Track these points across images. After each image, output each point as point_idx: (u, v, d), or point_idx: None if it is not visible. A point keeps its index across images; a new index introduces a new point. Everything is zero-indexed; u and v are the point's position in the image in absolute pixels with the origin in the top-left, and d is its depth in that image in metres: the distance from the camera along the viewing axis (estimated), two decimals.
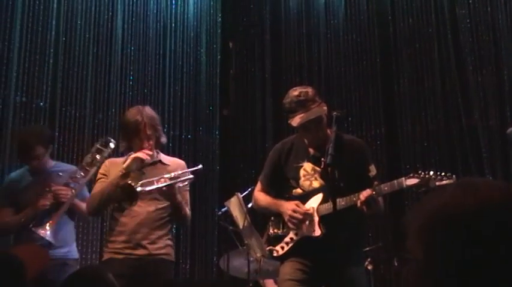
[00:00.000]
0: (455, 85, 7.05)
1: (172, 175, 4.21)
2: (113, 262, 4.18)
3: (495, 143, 6.67)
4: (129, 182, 4.06)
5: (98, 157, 4.77)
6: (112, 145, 4.77)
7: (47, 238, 4.49)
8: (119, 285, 3.77)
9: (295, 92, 3.87)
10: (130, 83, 7.52)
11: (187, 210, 4.37)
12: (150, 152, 4.24)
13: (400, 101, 7.42)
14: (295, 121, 3.82)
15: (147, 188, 4.09)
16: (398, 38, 7.55)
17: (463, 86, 7.00)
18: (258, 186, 4.20)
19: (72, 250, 4.90)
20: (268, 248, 4.05)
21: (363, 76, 7.73)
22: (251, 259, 5.15)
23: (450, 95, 7.10)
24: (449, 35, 7.19)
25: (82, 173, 4.75)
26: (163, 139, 4.44)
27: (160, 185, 4.13)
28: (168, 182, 4.14)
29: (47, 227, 4.52)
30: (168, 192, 4.16)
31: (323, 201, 3.83)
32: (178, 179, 4.20)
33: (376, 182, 3.71)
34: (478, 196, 1.05)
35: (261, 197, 4.13)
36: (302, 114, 3.80)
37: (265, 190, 4.14)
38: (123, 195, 4.07)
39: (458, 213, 1.05)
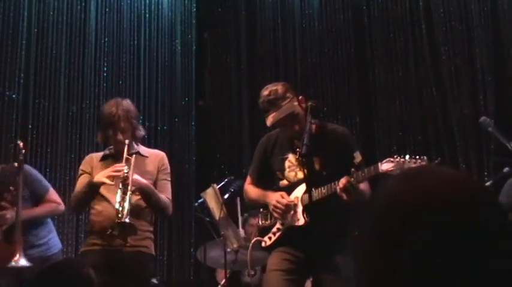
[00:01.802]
0: (429, 75, 7.10)
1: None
2: (90, 254, 4.17)
3: (468, 132, 6.73)
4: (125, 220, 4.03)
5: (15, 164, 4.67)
6: (21, 145, 4.69)
7: (23, 265, 4.40)
8: (96, 277, 3.75)
9: (265, 91, 3.92)
10: (105, 74, 7.46)
11: (164, 198, 4.31)
12: (121, 168, 4.14)
13: (375, 91, 7.47)
14: (269, 121, 3.89)
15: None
16: (373, 28, 7.58)
17: (437, 75, 7.05)
18: (248, 180, 4.25)
19: (50, 246, 4.84)
20: (256, 239, 4.10)
21: (338, 66, 7.74)
22: (228, 249, 5.16)
23: (424, 85, 7.15)
24: (423, 25, 7.23)
25: (12, 188, 4.63)
26: (141, 132, 4.41)
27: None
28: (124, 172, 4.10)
29: (16, 258, 4.41)
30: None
31: (307, 191, 3.85)
32: (129, 181, 4.13)
33: (352, 169, 3.72)
34: (416, 190, 1.01)
35: (250, 189, 4.18)
36: (274, 114, 3.85)
37: (255, 183, 4.20)
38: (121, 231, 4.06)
39: (393, 206, 1.02)
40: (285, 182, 4.01)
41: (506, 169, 5.24)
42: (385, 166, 3.59)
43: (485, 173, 6.49)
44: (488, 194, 1.04)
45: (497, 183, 5.44)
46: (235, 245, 5.06)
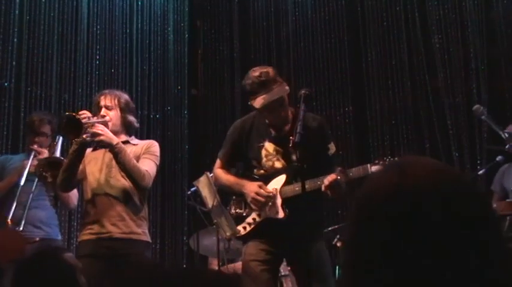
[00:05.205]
0: (423, 63, 7.11)
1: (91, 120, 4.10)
2: (86, 244, 4.15)
3: (461, 121, 6.74)
4: (72, 113, 4.02)
5: None
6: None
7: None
8: (93, 266, 3.74)
9: (255, 72, 3.80)
10: (97, 62, 7.43)
11: (141, 167, 4.14)
12: (87, 113, 4.10)
13: (368, 79, 7.47)
14: (258, 103, 3.76)
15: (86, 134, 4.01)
16: (367, 16, 7.57)
17: (430, 64, 7.06)
18: (218, 163, 4.13)
19: (54, 231, 5.05)
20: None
21: (331, 54, 7.74)
22: (221, 237, 5.16)
23: (417, 73, 7.16)
24: (417, 13, 7.23)
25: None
26: (134, 123, 4.39)
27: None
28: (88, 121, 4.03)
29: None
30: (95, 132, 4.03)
31: (286, 183, 3.84)
32: (93, 120, 4.07)
33: (340, 168, 3.71)
34: (396, 181, 1.03)
35: (222, 175, 4.08)
36: (264, 95, 3.74)
37: (226, 168, 4.10)
38: (70, 128, 3.98)
39: (374, 195, 1.04)
40: (261, 171, 3.93)
41: (499, 158, 5.25)
42: (375, 167, 3.60)
43: (478, 162, 6.51)
44: (469, 185, 1.05)
45: (490, 172, 5.47)
46: (228, 234, 5.05)
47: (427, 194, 0.99)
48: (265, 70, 3.81)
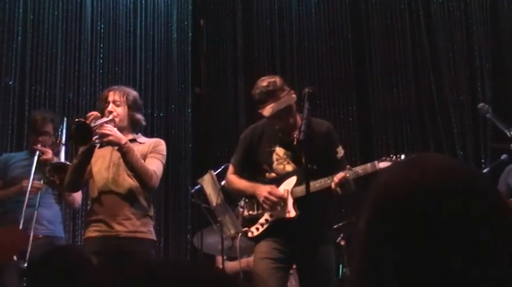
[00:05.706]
0: (427, 61, 7.10)
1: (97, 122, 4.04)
2: (92, 241, 4.14)
3: (466, 119, 6.73)
4: (81, 120, 3.97)
5: None
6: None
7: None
8: (99, 263, 3.74)
9: (263, 82, 3.95)
10: (101, 60, 7.44)
11: (148, 167, 4.12)
12: (94, 114, 4.08)
13: (372, 77, 7.46)
14: (267, 111, 3.91)
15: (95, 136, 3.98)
16: (370, 14, 7.56)
17: (434, 62, 7.05)
18: (231, 169, 4.27)
19: (58, 229, 5.11)
20: (243, 230, 4.14)
21: (335, 53, 7.73)
22: (224, 236, 5.16)
23: (422, 71, 7.15)
24: (421, 11, 7.22)
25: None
26: (141, 120, 4.38)
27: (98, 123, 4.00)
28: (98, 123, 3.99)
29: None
30: (104, 134, 4.00)
31: (297, 183, 3.94)
32: (101, 121, 4.03)
33: (348, 166, 3.79)
34: (407, 179, 1.02)
35: (235, 180, 4.20)
36: (272, 104, 3.89)
37: (238, 173, 4.22)
38: (79, 135, 3.95)
39: (394, 191, 1.03)
40: (273, 174, 4.06)
41: (503, 156, 5.25)
42: (382, 164, 3.70)
43: (483, 161, 6.50)
44: (482, 182, 1.05)
45: (495, 170, 5.46)
46: (232, 232, 5.05)
47: (448, 193, 0.99)
48: (272, 80, 3.96)
